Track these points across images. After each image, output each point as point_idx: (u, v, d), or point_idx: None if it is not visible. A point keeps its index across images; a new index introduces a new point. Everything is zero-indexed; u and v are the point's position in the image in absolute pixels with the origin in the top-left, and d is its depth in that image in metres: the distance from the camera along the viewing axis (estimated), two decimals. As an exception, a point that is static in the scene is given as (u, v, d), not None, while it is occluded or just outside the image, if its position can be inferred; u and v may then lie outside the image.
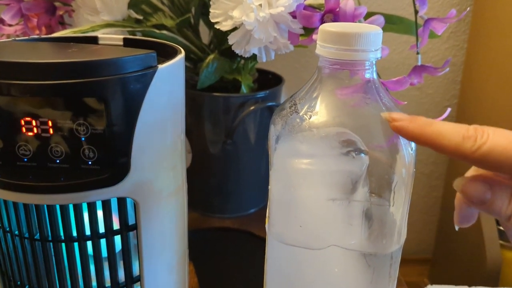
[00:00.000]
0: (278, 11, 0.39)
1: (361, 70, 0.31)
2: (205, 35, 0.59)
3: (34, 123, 0.28)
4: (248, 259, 0.55)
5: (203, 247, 0.55)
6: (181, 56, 0.33)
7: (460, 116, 0.78)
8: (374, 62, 0.31)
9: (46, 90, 0.27)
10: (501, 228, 0.64)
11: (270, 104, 0.55)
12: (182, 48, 0.35)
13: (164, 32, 0.50)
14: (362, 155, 0.30)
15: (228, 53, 0.53)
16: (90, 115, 0.28)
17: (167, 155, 0.33)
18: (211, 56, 0.53)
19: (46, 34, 0.51)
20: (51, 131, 0.28)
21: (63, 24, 0.54)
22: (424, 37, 0.43)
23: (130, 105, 0.28)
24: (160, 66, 0.30)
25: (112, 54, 0.28)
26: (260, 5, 0.40)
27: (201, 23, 0.58)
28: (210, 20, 0.44)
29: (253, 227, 0.59)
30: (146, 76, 0.29)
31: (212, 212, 0.62)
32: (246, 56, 0.45)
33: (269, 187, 0.34)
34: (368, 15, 0.40)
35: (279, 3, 0.40)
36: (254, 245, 0.57)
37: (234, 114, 0.55)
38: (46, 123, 0.28)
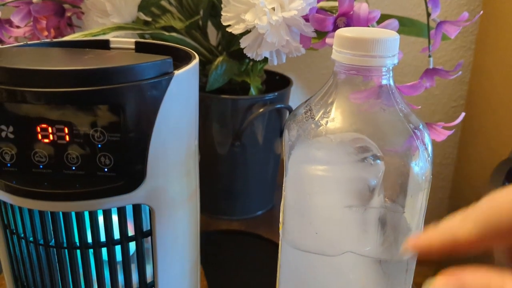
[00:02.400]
0: (291, 15, 0.39)
1: (378, 76, 0.30)
2: (212, 37, 0.59)
3: (50, 130, 0.28)
4: (256, 262, 0.54)
5: (210, 249, 0.55)
6: (196, 61, 0.33)
7: (467, 118, 0.78)
8: (391, 68, 0.31)
9: (61, 98, 0.26)
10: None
11: (279, 106, 0.55)
12: (191, 49, 0.35)
13: (173, 34, 0.50)
14: (378, 161, 0.30)
15: (237, 55, 0.53)
16: (107, 122, 0.27)
17: (182, 161, 0.32)
18: (219, 58, 0.53)
19: (54, 36, 0.51)
20: (67, 138, 0.28)
21: (71, 26, 0.54)
22: (436, 39, 0.43)
23: (147, 112, 0.28)
24: (176, 72, 0.29)
25: (128, 61, 0.28)
26: (273, 8, 0.40)
27: (209, 24, 0.58)
28: (218, 22, 0.44)
29: (261, 229, 0.59)
30: (162, 83, 0.28)
31: (220, 214, 0.61)
32: (257, 60, 0.45)
33: (283, 193, 0.34)
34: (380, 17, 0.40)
35: (292, 6, 0.39)
36: (262, 248, 0.56)
37: (243, 116, 0.54)
38: (62, 130, 0.28)
